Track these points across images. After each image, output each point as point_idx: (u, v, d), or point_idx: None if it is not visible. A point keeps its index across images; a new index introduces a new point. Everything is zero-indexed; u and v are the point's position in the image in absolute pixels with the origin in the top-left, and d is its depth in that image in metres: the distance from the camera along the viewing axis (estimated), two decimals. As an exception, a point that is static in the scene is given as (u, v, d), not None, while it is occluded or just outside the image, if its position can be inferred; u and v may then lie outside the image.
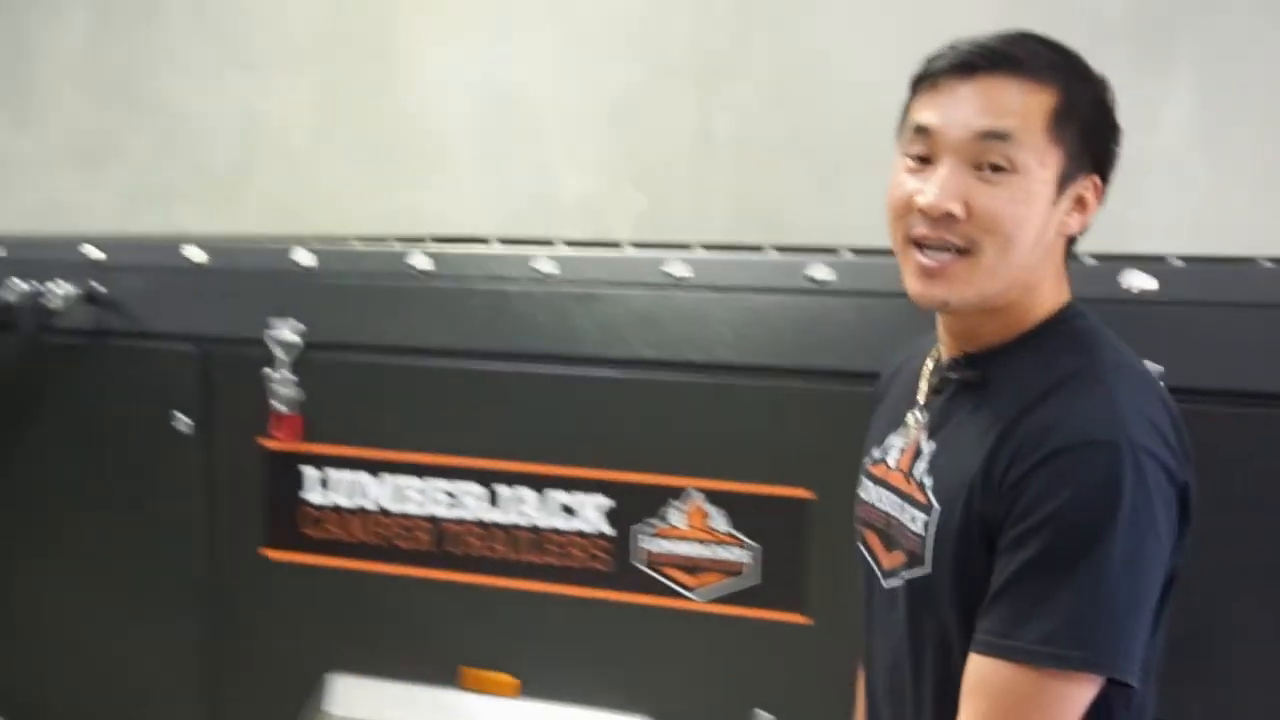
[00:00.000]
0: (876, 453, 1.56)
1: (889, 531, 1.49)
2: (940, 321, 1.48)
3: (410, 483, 2.31)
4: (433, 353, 2.30)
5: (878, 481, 1.53)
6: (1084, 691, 1.29)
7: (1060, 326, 1.43)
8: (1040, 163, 1.34)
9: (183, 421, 2.43)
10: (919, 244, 1.38)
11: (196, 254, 2.48)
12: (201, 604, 2.45)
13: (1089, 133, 1.39)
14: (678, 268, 2.15)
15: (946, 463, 1.42)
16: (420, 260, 2.34)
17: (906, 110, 1.44)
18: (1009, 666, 1.28)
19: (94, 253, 2.56)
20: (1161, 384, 1.45)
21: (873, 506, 1.53)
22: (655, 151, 4.98)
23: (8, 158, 6.18)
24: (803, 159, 4.78)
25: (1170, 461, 1.33)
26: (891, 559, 1.48)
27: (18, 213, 6.18)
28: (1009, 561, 1.31)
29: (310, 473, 2.36)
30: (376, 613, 2.33)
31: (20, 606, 2.56)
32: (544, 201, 5.10)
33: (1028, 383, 1.37)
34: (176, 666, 2.46)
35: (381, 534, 2.31)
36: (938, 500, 1.40)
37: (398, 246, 3.42)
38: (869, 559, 1.54)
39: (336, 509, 2.34)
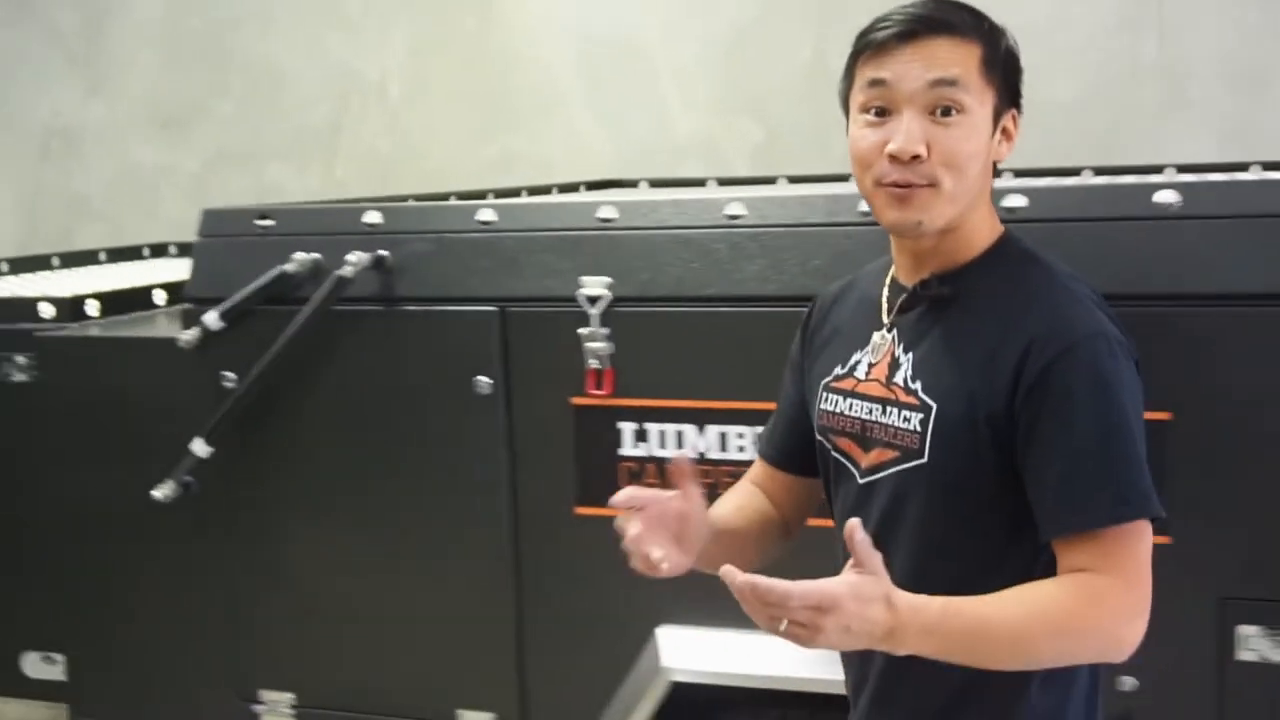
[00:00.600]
0: (839, 370, 1.71)
1: (866, 434, 1.65)
2: (900, 249, 1.67)
3: (734, 430, 2.32)
4: (746, 300, 2.30)
5: (846, 394, 1.69)
6: (1149, 534, 1.53)
7: (1008, 248, 1.65)
8: (980, 103, 1.56)
9: (484, 383, 2.42)
10: (892, 185, 1.56)
11: (487, 214, 2.45)
12: (514, 565, 2.44)
13: (1008, 74, 1.61)
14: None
15: (936, 367, 1.59)
16: (735, 207, 2.32)
17: (851, 75, 1.62)
18: (1117, 534, 1.49)
19: (374, 218, 2.52)
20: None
21: (843, 415, 1.69)
22: (770, 86, 4.96)
23: (83, 125, 6.06)
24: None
25: (1128, 346, 1.58)
26: (872, 458, 1.64)
27: (99, 180, 6.07)
28: (1054, 450, 1.50)
29: (627, 427, 2.37)
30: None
31: (324, 579, 2.55)
32: (658, 140, 5.08)
33: (1003, 296, 1.59)
34: (491, 630, 2.45)
35: (705, 482, 2.32)
36: (932, 399, 1.57)
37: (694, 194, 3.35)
38: (843, 460, 1.69)
39: (656, 460, 2.35)
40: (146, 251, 4.70)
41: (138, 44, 5.92)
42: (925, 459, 1.57)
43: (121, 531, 2.75)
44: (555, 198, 3.70)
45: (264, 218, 2.64)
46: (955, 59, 1.55)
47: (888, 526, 1.61)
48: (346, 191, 5.57)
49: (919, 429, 1.58)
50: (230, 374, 2.61)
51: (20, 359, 2.83)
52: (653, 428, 2.40)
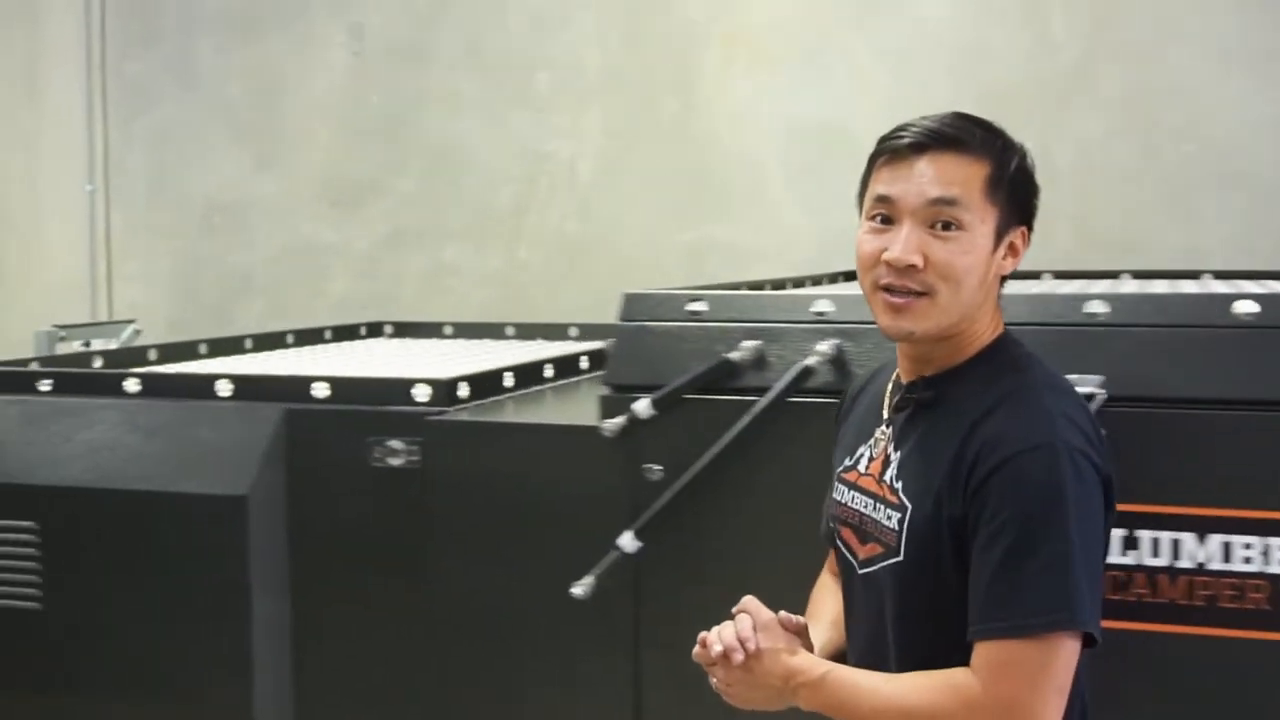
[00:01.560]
0: (849, 461, 1.78)
1: (862, 527, 1.72)
2: (900, 350, 1.72)
3: (1241, 540, 2.18)
4: (1251, 404, 2.17)
5: (850, 485, 1.76)
6: (1070, 649, 1.53)
7: (998, 353, 1.68)
8: (981, 220, 1.62)
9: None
10: (887, 289, 1.63)
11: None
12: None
13: (1016, 193, 1.66)
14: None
15: (913, 469, 1.65)
16: (1246, 305, 2.21)
17: (867, 181, 1.70)
18: (1007, 643, 1.52)
19: (824, 306, 2.38)
20: (1083, 396, 1.76)
21: (847, 506, 1.76)
22: (988, 179, 4.89)
23: (249, 199, 5.92)
24: (1151, 183, 4.72)
25: (1095, 458, 1.58)
26: (867, 550, 1.70)
27: (262, 256, 5.92)
28: (985, 558, 1.54)
29: (1114, 533, 2.22)
30: (1197, 681, 2.19)
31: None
32: (865, 232, 4.99)
33: (975, 401, 1.62)
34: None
35: (1204, 595, 2.17)
36: (909, 500, 1.64)
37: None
38: (845, 550, 1.76)
39: (1145, 570, 2.21)
40: (363, 330, 4.55)
41: (312, 119, 5.80)
42: (901, 557, 1.64)
43: (517, 627, 2.56)
44: (1040, 288, 3.48)
45: (695, 301, 2.50)
46: (958, 178, 1.61)
47: (881, 617, 1.68)
48: (529, 273, 5.45)
49: (897, 528, 1.65)
50: (654, 465, 2.45)
51: (397, 444, 2.66)
52: (1144, 535, 2.25)
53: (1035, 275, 4.24)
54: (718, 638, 1.67)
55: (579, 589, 2.43)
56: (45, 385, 2.97)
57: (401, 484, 2.65)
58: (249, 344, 3.97)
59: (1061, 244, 4.76)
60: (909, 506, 1.64)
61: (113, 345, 4.36)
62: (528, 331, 4.43)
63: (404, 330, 4.62)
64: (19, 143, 6.32)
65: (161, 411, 2.86)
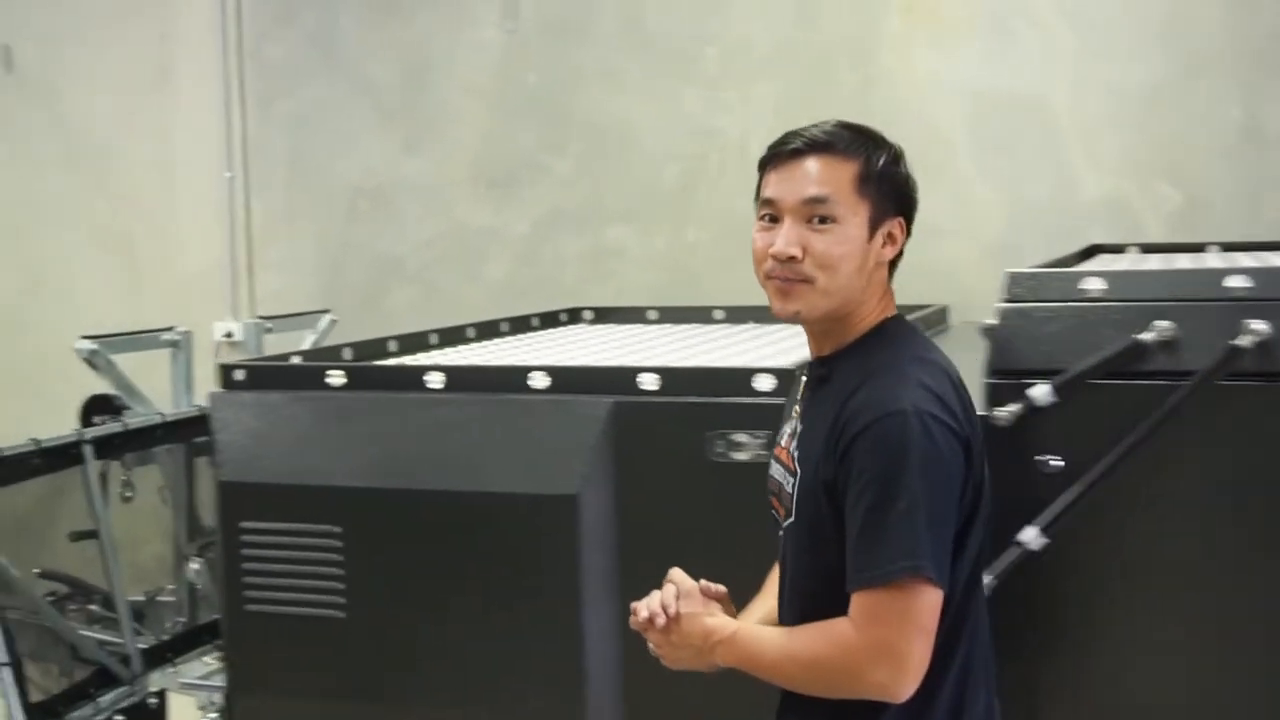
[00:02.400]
0: (778, 439, 1.96)
1: (780, 494, 1.90)
2: (806, 332, 1.91)
3: None
4: None
5: (775, 459, 1.95)
6: (928, 594, 1.69)
7: (879, 332, 1.85)
8: (853, 213, 1.80)
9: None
10: (775, 277, 1.82)
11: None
12: None
13: (885, 188, 1.83)
14: None
15: (806, 440, 1.85)
16: None
17: (759, 182, 1.90)
18: (873, 592, 1.70)
19: (1239, 281, 2.20)
20: (952, 369, 1.84)
21: (773, 477, 1.95)
22: (1191, 146, 4.69)
23: (398, 183, 5.72)
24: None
25: (951, 422, 1.74)
26: (784, 514, 1.89)
27: (413, 241, 5.73)
28: (852, 517, 1.72)
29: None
30: None
31: (1166, 698, 2.19)
32: (1059, 203, 4.79)
33: (851, 376, 1.80)
34: None
35: None
36: (800, 467, 1.83)
37: None
38: (776, 516, 1.94)
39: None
40: (564, 317, 4.38)
41: (464, 99, 5.60)
42: (794, 519, 1.85)
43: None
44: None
45: (1089, 280, 2.32)
46: (829, 177, 1.80)
47: (785, 577, 1.91)
48: (698, 255, 5.26)
49: (792, 492, 1.85)
50: (1050, 456, 2.28)
51: (742, 436, 2.48)
52: None
53: (1199, 247, 4.05)
54: (645, 605, 1.86)
55: (980, 587, 2.25)
56: (337, 379, 2.79)
57: (748, 479, 2.47)
58: (471, 333, 3.79)
59: (1270, 213, 4.58)
60: (798, 472, 1.84)
61: (310, 336, 4.19)
62: (738, 315, 4.25)
63: (604, 316, 4.44)
64: (154, 131, 6.13)
65: (470, 406, 2.68)
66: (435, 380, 2.72)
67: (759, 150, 4.46)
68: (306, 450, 2.73)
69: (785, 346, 3.50)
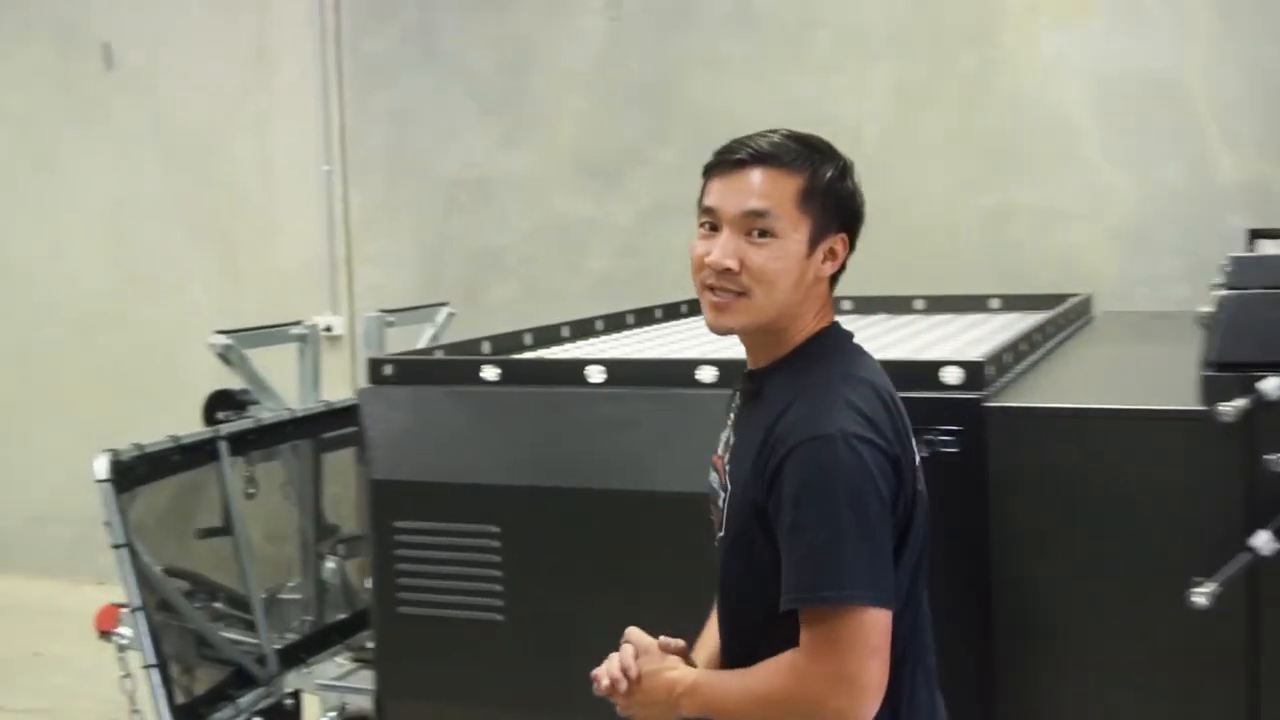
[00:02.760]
0: (718, 448, 1.91)
1: (716, 505, 1.87)
2: (745, 347, 1.85)
3: None
4: None
5: (713, 468, 1.91)
6: (872, 616, 1.65)
7: (810, 348, 1.80)
8: (794, 229, 1.75)
9: None
10: (710, 289, 1.77)
11: None
12: None
13: (829, 203, 1.78)
14: None
15: (737, 455, 1.81)
16: None
17: (703, 188, 1.82)
18: (818, 620, 1.66)
19: None
20: (883, 386, 1.79)
21: (712, 489, 1.90)
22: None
23: (498, 175, 5.63)
24: None
25: (880, 441, 1.70)
26: (717, 525, 1.86)
27: (514, 233, 5.63)
28: (785, 541, 1.69)
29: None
30: None
31: None
32: (1194, 187, 4.59)
33: (781, 394, 1.76)
34: None
35: None
36: (731, 482, 1.81)
37: None
38: (714, 526, 1.89)
39: None
40: (684, 309, 4.25)
41: (565, 90, 5.50)
42: (723, 533, 1.83)
43: (1103, 639, 2.25)
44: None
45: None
46: (772, 191, 1.74)
47: (720, 589, 1.88)
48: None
49: (724, 507, 1.82)
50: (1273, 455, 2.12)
51: (928, 434, 2.34)
52: None
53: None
54: (605, 672, 1.83)
55: (1201, 596, 2.10)
56: (492, 374, 2.69)
57: (942, 476, 2.34)
58: (600, 325, 3.68)
59: None
60: (729, 487, 1.81)
61: (429, 329, 4.10)
62: (867, 306, 4.10)
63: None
64: (251, 125, 6.08)
65: (635, 401, 2.56)
66: (597, 374, 2.61)
67: (875, 138, 4.44)
68: (462, 447, 2.63)
69: (933, 338, 3.36)
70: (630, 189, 5.39)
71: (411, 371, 2.76)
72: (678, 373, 2.57)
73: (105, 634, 3.23)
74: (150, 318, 6.31)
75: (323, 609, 3.63)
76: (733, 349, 3.14)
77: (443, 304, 4.14)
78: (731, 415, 1.91)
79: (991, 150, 4.85)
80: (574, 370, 2.64)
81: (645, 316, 3.97)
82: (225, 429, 3.26)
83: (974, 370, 2.39)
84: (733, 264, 1.75)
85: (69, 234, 6.48)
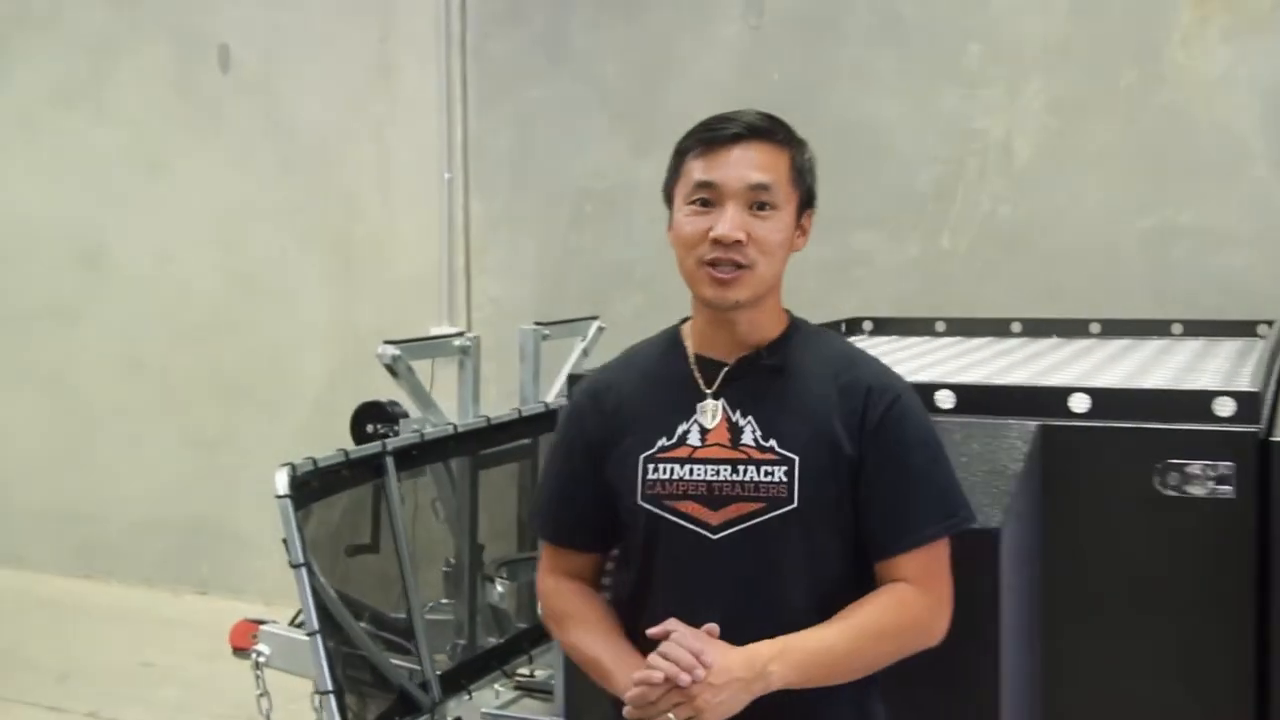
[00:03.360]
0: (665, 441, 1.85)
1: (717, 494, 1.81)
2: (718, 327, 1.86)
3: None
4: None
5: (683, 461, 1.84)
6: (947, 546, 1.86)
7: (802, 324, 1.92)
8: (787, 202, 1.84)
9: None
10: (712, 264, 1.80)
11: None
12: None
13: (806, 180, 1.89)
14: None
15: (788, 425, 1.81)
16: None
17: (680, 170, 1.86)
18: (929, 548, 1.81)
19: None
20: None
21: (681, 480, 1.83)
22: None
23: (628, 187, 5.48)
24: None
25: None
26: (727, 513, 1.81)
27: (643, 247, 5.45)
28: (891, 480, 1.80)
29: None
30: None
31: None
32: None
33: (827, 361, 1.86)
34: None
35: None
36: (792, 452, 1.79)
37: None
38: (684, 522, 1.82)
39: None
40: (843, 327, 4.07)
41: (700, 99, 5.32)
42: (795, 504, 1.79)
43: None
44: None
45: None
46: (770, 165, 1.81)
47: (760, 572, 1.81)
48: (953, 264, 4.93)
49: (785, 479, 1.79)
50: None
51: (1196, 468, 2.16)
52: None
53: None
54: (667, 666, 1.68)
55: None
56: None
57: (1204, 516, 2.15)
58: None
59: None
60: (795, 458, 1.80)
61: (579, 343, 3.95)
62: (1037, 328, 3.91)
63: (883, 326, 4.13)
64: (370, 131, 5.98)
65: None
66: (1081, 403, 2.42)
67: (1025, 153, 4.20)
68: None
69: (1133, 365, 3.15)
70: (765, 202, 5.21)
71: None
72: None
73: (240, 650, 3.10)
74: (260, 324, 6.21)
75: (475, 633, 3.48)
76: (1006, 374, 2.91)
77: (593, 317, 3.99)
78: (714, 401, 1.86)
79: (1153, 169, 4.63)
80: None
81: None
82: (391, 443, 3.11)
83: (1248, 401, 2.20)
84: (742, 236, 1.79)
85: (181, 238, 6.41)
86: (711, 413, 1.85)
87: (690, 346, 1.91)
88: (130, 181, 6.55)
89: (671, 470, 1.84)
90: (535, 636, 3.53)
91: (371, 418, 3.62)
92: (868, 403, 1.80)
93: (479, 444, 3.42)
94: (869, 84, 5.02)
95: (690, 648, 1.69)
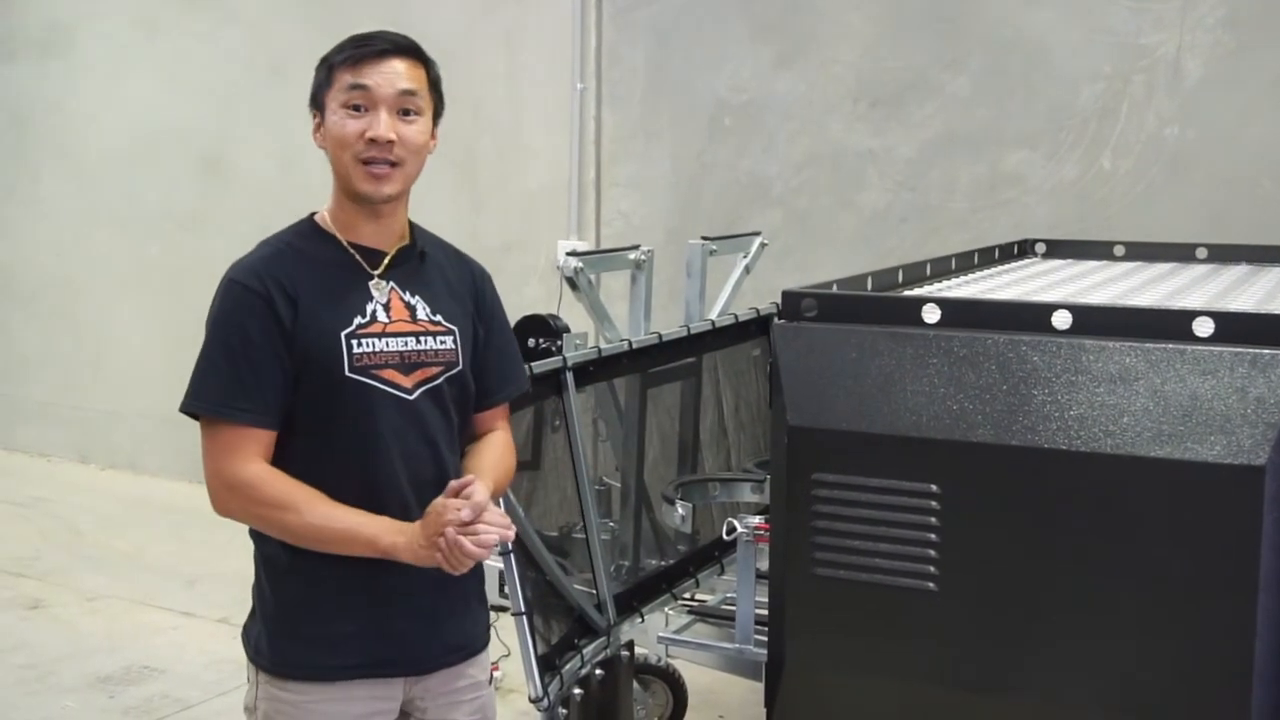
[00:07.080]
0: (361, 320, 2.10)
1: (404, 362, 2.11)
2: (368, 219, 2.13)
3: None
4: None
5: (380, 335, 2.10)
6: None
7: (419, 227, 2.24)
8: (427, 109, 2.13)
9: None
10: (366, 162, 2.06)
11: None
12: None
13: (439, 93, 2.18)
14: None
15: (444, 303, 2.18)
16: None
17: (331, 79, 2.10)
18: (507, 405, 2.34)
19: None
20: None
21: (382, 352, 2.10)
22: None
23: (768, 100, 5.27)
24: None
25: None
26: (416, 377, 2.12)
27: (783, 162, 5.28)
28: (498, 346, 2.28)
29: None
30: None
31: None
32: None
33: (444, 249, 2.26)
34: None
35: None
36: (453, 324, 2.18)
37: None
38: (386, 387, 2.09)
39: None
40: (1015, 250, 3.88)
41: (847, 9, 5.10)
42: (461, 365, 2.18)
43: None
44: None
45: None
46: (415, 76, 2.10)
47: (444, 425, 2.15)
48: (1113, 187, 4.70)
49: (454, 345, 2.17)
50: None
51: None
52: None
53: None
54: (465, 514, 1.96)
55: None
56: (932, 315, 2.37)
57: None
58: (928, 270, 3.31)
59: None
60: (455, 329, 2.17)
61: (741, 259, 3.80)
62: (1223, 254, 3.70)
63: (1056, 249, 3.94)
64: (501, 39, 5.81)
65: (1116, 355, 2.23)
66: (1062, 320, 2.28)
67: (1197, 73, 3.91)
68: (896, 395, 2.32)
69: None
70: (914, 119, 5.00)
71: (837, 308, 2.45)
72: (1168, 324, 2.23)
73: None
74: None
75: (639, 555, 3.39)
76: (1221, 301, 2.77)
77: (756, 233, 3.84)
78: (382, 282, 2.12)
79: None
80: (1037, 315, 2.31)
81: (986, 257, 3.63)
82: (572, 358, 3.00)
83: None
84: (394, 136, 2.05)
85: (303, 144, 6.29)
86: (385, 293, 2.12)
87: (341, 237, 2.13)
88: (251, 86, 6.45)
89: (372, 344, 2.09)
90: (700, 559, 3.44)
91: (534, 331, 3.49)
92: (482, 287, 2.25)
93: (651, 362, 3.30)
94: (1031, 0, 4.77)
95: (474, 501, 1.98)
